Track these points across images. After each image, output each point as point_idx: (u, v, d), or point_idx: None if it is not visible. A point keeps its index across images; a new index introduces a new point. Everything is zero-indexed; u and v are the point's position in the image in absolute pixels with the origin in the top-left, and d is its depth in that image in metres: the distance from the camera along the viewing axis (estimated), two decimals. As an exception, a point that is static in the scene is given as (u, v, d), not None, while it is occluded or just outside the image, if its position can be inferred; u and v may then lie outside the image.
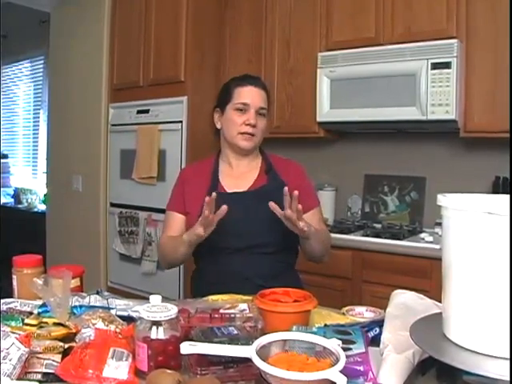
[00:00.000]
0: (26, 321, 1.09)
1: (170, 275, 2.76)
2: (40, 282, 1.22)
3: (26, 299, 1.22)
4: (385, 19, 2.61)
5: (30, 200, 5.16)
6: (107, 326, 1.06)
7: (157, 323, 0.94)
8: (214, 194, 1.40)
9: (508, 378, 0.67)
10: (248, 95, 1.60)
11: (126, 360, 0.93)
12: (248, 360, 0.84)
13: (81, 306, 1.18)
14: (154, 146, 3.12)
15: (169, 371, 0.87)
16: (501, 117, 2.30)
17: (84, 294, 1.24)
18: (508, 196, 0.77)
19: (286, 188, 1.42)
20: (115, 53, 3.45)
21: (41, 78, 5.22)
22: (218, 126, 1.67)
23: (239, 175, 1.67)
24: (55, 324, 1.06)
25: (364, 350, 0.94)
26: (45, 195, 4.63)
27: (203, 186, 1.63)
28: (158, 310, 0.96)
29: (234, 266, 1.53)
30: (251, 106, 1.59)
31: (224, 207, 1.40)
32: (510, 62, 2.25)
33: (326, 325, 1.11)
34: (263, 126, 1.64)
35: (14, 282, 1.33)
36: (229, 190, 1.63)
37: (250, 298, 1.22)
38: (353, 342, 0.97)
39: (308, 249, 1.58)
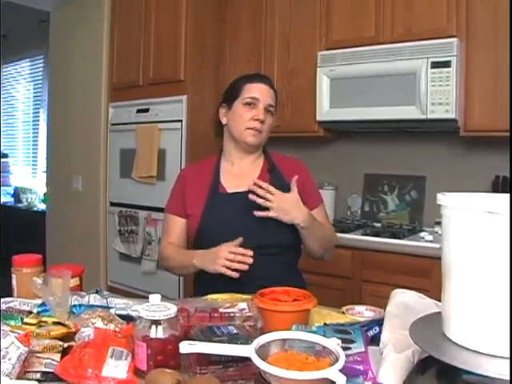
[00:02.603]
0: (26, 320, 1.09)
1: (169, 275, 2.74)
2: (39, 281, 1.22)
3: (26, 298, 1.21)
4: (385, 18, 2.61)
5: (29, 199, 5.15)
6: (106, 325, 1.06)
7: (156, 322, 0.94)
8: (240, 238, 1.43)
9: (508, 378, 0.67)
10: (257, 91, 1.60)
11: (126, 359, 0.93)
12: (247, 359, 0.84)
13: (80, 305, 1.18)
14: (153, 146, 3.12)
15: (168, 370, 0.86)
16: (501, 116, 2.30)
17: (83, 293, 1.24)
18: (508, 195, 0.77)
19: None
20: (115, 52, 3.44)
21: (41, 78, 5.21)
22: (224, 122, 1.65)
23: (241, 174, 1.65)
24: (54, 323, 1.06)
25: (363, 350, 0.94)
26: (44, 194, 4.63)
27: (204, 185, 1.62)
28: (157, 309, 0.96)
29: None
30: (260, 101, 1.59)
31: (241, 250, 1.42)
32: (510, 60, 2.25)
33: (325, 324, 1.11)
34: (270, 123, 1.63)
35: (14, 281, 1.33)
36: (229, 190, 1.62)
37: (249, 297, 1.22)
38: (352, 342, 0.97)
39: (308, 243, 1.57)
